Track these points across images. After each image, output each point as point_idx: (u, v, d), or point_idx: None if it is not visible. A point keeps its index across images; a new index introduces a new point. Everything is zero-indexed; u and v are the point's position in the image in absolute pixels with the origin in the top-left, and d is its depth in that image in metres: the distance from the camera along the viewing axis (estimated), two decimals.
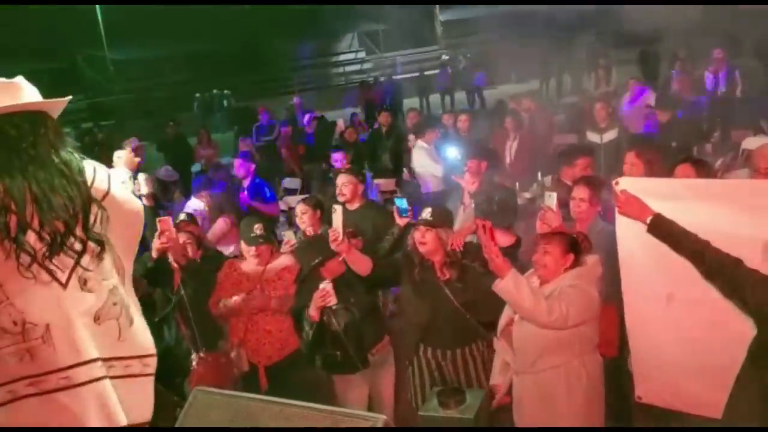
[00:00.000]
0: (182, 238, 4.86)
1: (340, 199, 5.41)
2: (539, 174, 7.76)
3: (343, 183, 5.48)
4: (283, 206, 8.92)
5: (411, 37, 28.51)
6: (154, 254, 4.09)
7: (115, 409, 1.92)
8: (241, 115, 16.88)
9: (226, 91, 22.76)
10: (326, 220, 5.44)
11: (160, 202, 9.09)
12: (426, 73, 21.28)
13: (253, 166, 7.58)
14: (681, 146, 7.06)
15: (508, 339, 3.77)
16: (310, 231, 5.26)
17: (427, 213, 4.16)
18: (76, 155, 2.07)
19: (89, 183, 2.02)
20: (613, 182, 3.43)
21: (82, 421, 1.87)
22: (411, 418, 4.21)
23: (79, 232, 1.94)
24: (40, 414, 1.84)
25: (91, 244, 1.94)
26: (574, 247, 3.66)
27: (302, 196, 9.41)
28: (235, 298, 4.54)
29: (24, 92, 2.06)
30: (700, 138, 8.73)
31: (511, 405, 3.83)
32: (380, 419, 2.35)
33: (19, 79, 2.09)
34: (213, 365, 4.53)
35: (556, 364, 3.61)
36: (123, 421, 1.93)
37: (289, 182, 10.82)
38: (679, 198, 3.23)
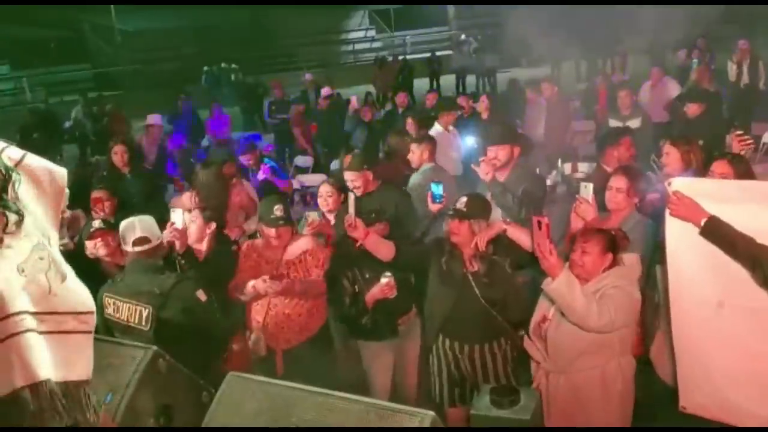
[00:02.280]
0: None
1: (357, 192, 5.27)
2: (559, 161, 7.68)
3: (352, 179, 5.32)
4: (296, 185, 8.82)
5: (422, 17, 28.20)
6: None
7: (35, 363, 1.89)
8: (249, 90, 16.54)
9: (233, 66, 22.55)
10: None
11: None
12: (437, 53, 21.04)
13: (258, 153, 7.42)
14: (704, 137, 6.91)
15: (539, 338, 3.65)
16: (332, 214, 5.18)
17: (461, 203, 3.97)
18: None
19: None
20: (666, 183, 3.28)
21: (7, 374, 1.86)
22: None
23: None
24: None
25: (9, 215, 1.92)
26: (613, 245, 3.51)
27: (315, 175, 9.41)
28: (252, 284, 4.39)
29: None
30: (721, 129, 8.61)
31: None
32: (428, 416, 2.26)
33: None
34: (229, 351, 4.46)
35: (594, 365, 3.50)
36: (42, 377, 1.90)
37: (301, 160, 10.74)
38: (735, 200, 3.09)
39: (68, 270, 2.06)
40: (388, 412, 2.29)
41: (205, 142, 11.88)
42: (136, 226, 3.98)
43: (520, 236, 3.85)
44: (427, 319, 4.30)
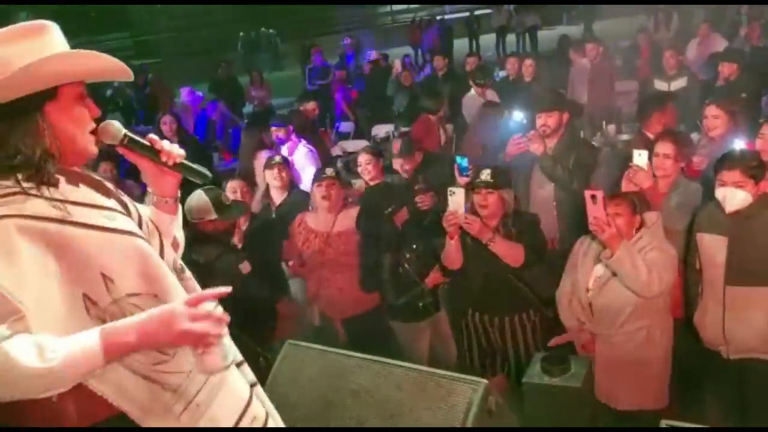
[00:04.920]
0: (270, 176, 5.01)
1: (405, 175, 5.18)
2: (604, 123, 7.58)
3: (403, 163, 5.22)
4: (338, 151, 8.86)
5: None
6: None
7: None
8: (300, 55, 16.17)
9: (271, 31, 22.53)
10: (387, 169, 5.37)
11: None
12: (476, 13, 20.69)
13: (290, 129, 6.38)
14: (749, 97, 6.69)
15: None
16: (372, 180, 5.13)
17: (486, 174, 3.87)
18: None
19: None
20: None
21: None
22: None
23: None
24: None
25: None
26: (635, 207, 3.57)
27: (357, 141, 9.42)
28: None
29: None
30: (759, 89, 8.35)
31: None
32: (482, 383, 2.33)
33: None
34: (292, 313, 4.51)
35: (641, 326, 3.54)
36: None
37: (342, 126, 10.74)
38: None
39: None
40: (445, 380, 2.37)
41: (246, 109, 11.98)
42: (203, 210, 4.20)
43: (500, 250, 3.81)
44: (455, 295, 4.30)
